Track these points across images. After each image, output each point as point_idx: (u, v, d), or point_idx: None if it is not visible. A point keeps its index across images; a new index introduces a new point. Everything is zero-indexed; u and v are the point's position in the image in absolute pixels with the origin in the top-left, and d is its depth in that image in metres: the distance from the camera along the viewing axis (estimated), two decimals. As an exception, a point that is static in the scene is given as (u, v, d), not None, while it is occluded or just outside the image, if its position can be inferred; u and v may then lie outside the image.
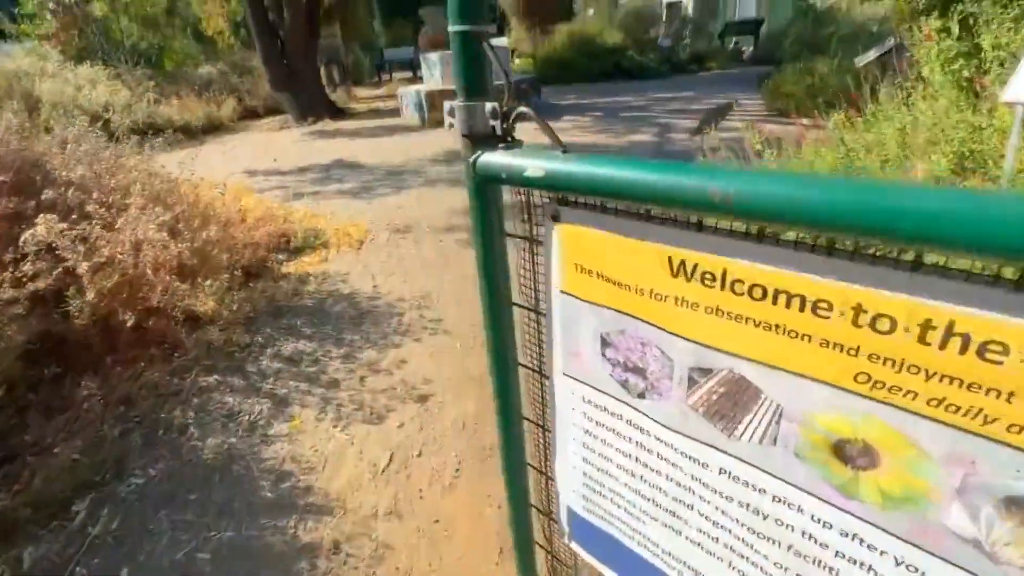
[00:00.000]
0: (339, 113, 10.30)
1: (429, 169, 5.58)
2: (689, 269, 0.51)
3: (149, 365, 2.48)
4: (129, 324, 2.12)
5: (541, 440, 0.89)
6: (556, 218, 0.64)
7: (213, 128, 10.03)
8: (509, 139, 0.64)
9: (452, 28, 0.60)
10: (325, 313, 2.86)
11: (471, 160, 0.64)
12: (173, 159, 7.30)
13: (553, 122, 7.49)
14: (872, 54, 6.04)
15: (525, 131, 0.62)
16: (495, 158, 0.63)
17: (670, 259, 0.53)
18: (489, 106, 0.62)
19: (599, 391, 0.70)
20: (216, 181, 6.01)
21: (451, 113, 0.66)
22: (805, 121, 6.32)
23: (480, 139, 0.64)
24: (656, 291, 0.56)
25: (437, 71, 8.05)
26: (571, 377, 0.74)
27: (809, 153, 2.27)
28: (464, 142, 0.65)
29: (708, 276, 0.50)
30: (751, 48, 14.21)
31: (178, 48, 13.34)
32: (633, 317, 0.60)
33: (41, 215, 1.98)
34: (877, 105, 2.45)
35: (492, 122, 0.63)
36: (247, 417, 2.10)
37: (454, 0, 0.58)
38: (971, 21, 2.21)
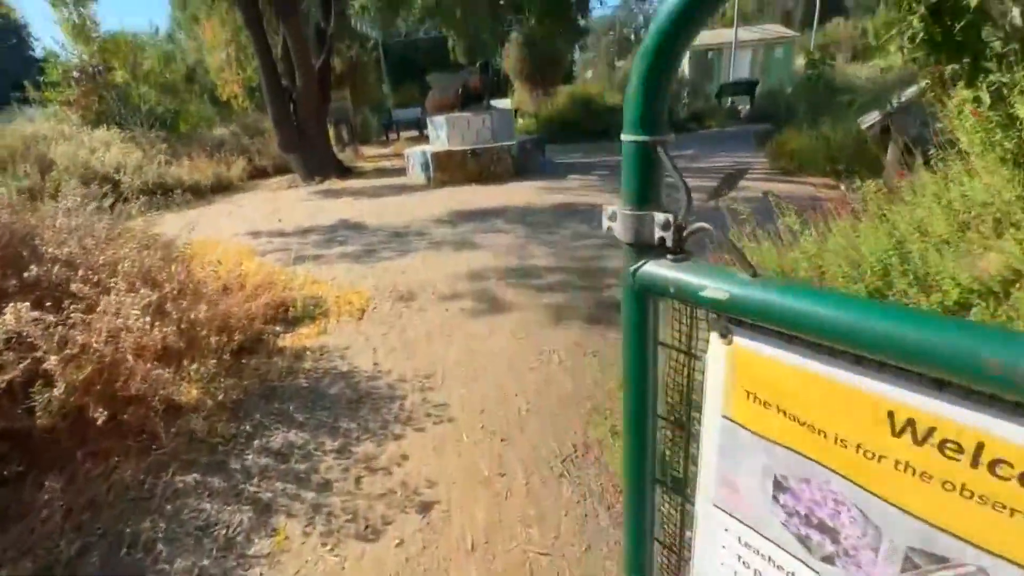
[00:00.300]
0: (346, 172, 10.47)
1: (434, 231, 5.50)
2: (921, 432, 0.41)
3: (123, 459, 2.24)
4: (100, 420, 1.90)
5: (668, 562, 0.82)
6: (726, 335, 0.56)
7: (222, 187, 10.17)
8: (679, 252, 0.59)
9: (627, 137, 0.59)
10: (321, 395, 2.63)
11: (632, 269, 0.63)
12: (180, 219, 7.30)
13: (559, 181, 7.52)
14: (875, 116, 6.09)
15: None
16: (662, 270, 0.59)
17: (891, 415, 0.43)
18: (662, 217, 0.58)
19: (764, 537, 0.60)
20: (219, 242, 5.98)
21: (612, 218, 0.65)
22: (813, 180, 6.32)
23: (643, 248, 0.62)
24: (866, 447, 0.46)
25: (443, 132, 8.19)
26: (723, 510, 0.64)
27: (845, 233, 2.12)
28: (626, 249, 0.64)
29: (951, 446, 0.40)
30: (747, 107, 14.64)
31: (193, 111, 13.84)
32: (825, 467, 0.50)
33: (11, 305, 1.82)
34: (908, 174, 2.34)
35: (662, 233, 0.59)
36: (224, 531, 1.83)
37: (632, 111, 0.57)
38: (1004, 91, 2.12)
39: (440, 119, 8.18)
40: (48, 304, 2.26)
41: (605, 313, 3.26)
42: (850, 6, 41.53)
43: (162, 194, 9.37)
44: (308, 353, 3.07)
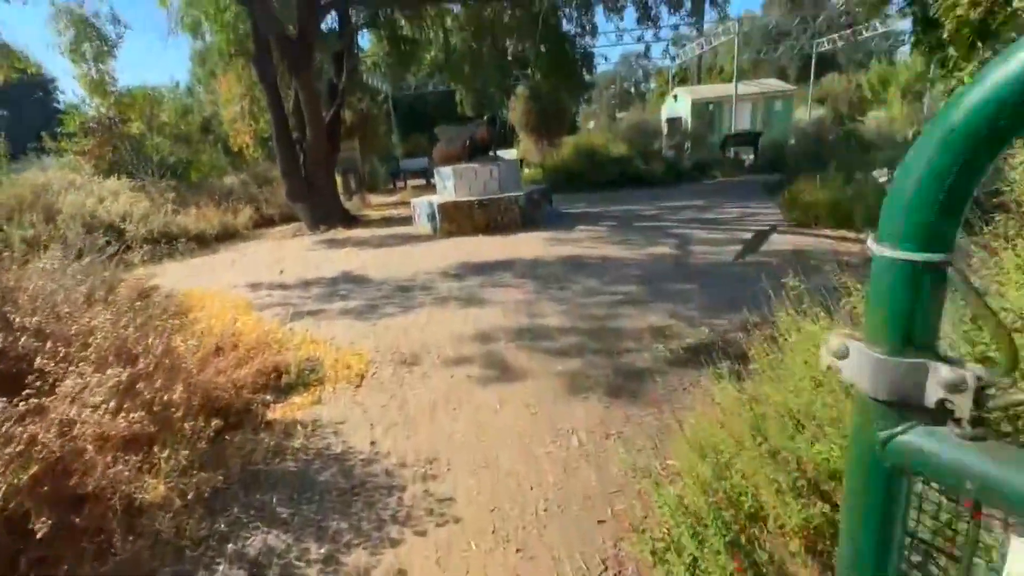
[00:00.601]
0: (352, 221, 10.44)
1: (439, 284, 5.30)
2: None
3: (78, 565, 1.92)
4: (41, 532, 1.60)
5: None
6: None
7: (228, 236, 10.13)
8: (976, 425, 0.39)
9: (892, 252, 0.43)
10: (309, 483, 2.32)
11: (884, 436, 0.45)
12: (182, 268, 7.16)
13: (567, 232, 7.39)
14: (886, 172, 5.98)
15: None
16: (941, 448, 0.41)
17: None
18: (949, 373, 0.39)
19: None
20: (217, 293, 5.78)
21: (841, 354, 0.46)
22: (828, 233, 6.15)
23: (904, 408, 0.43)
24: None
25: (450, 183, 8.16)
26: None
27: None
28: (867, 401, 0.45)
29: None
30: (751, 158, 14.80)
31: (205, 161, 14.09)
32: None
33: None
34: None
35: (946, 395, 0.39)
36: (178, 677, 1.49)
37: (911, 215, 0.41)
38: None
39: (447, 170, 8.18)
40: (7, 383, 2.01)
41: (626, 384, 2.97)
42: (842, 63, 43.32)
43: (167, 243, 9.34)
44: (299, 428, 2.78)
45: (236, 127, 12.50)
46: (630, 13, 9.49)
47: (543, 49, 10.73)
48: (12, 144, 12.57)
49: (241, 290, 5.89)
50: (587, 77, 11.28)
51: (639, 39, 9.18)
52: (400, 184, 19.15)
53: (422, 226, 8.53)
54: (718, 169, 13.37)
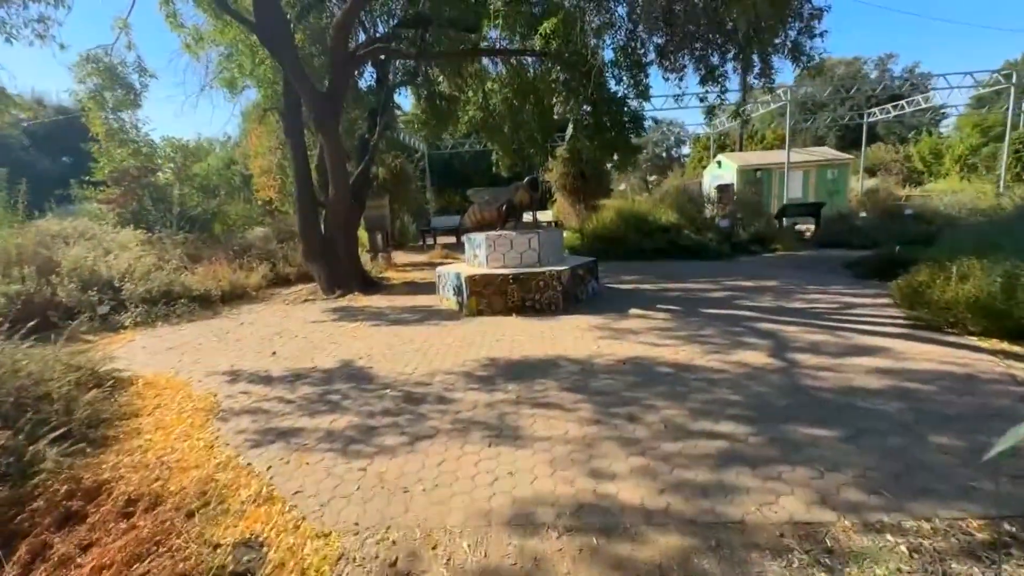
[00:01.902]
0: (371, 286, 9.42)
1: (461, 395, 3.99)
2: None
3: None
4: None
5: None
6: None
7: (236, 296, 9.23)
8: None
9: None
10: None
11: None
12: (170, 336, 6.11)
13: (620, 318, 6.05)
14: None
15: None
16: None
17: None
18: None
19: None
20: (183, 385, 4.60)
21: None
22: (982, 345, 4.60)
23: None
24: None
25: (482, 252, 7.06)
26: None
27: None
28: None
29: None
30: (812, 229, 13.42)
31: (232, 213, 13.64)
32: None
33: None
34: None
35: None
36: None
37: None
38: None
39: (479, 237, 7.10)
40: None
41: None
42: (880, 134, 42.30)
43: (167, 303, 8.47)
44: None
45: (259, 180, 12.01)
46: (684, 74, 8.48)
47: (588, 110, 9.91)
48: (44, 189, 12.39)
49: (216, 381, 4.72)
50: (635, 140, 10.28)
51: (702, 99, 7.95)
52: (431, 241, 18.48)
53: (447, 299, 7.37)
54: (778, 241, 12.00)
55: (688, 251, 11.41)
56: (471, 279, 6.58)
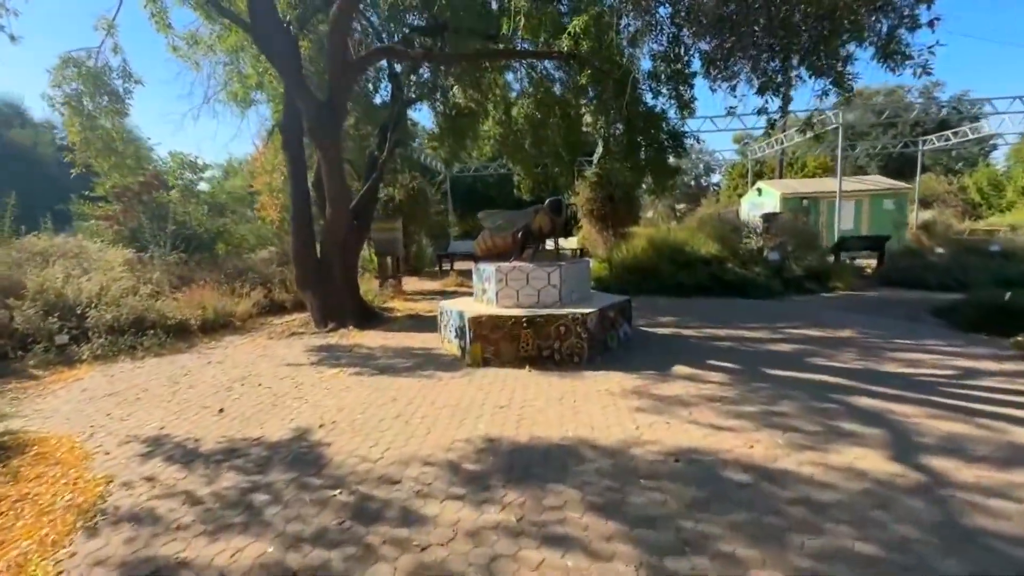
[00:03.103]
0: (368, 319, 8.31)
1: (435, 511, 2.72)
2: None
3: None
4: None
5: None
6: None
7: (219, 326, 8.23)
8: None
9: None
10: None
11: None
12: (120, 377, 5.11)
13: (662, 378, 4.68)
14: None
15: None
16: None
17: None
18: None
19: None
20: (86, 457, 3.51)
21: None
22: None
23: None
24: None
25: (491, 287, 5.86)
26: None
27: None
28: None
29: None
30: (875, 266, 11.81)
31: (236, 233, 12.91)
32: None
33: None
34: None
35: None
36: None
37: None
38: None
39: (488, 268, 5.92)
40: None
41: None
42: (927, 164, 40.01)
43: (136, 332, 7.53)
44: None
45: (262, 200, 11.22)
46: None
47: (620, 127, 8.77)
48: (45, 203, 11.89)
49: (128, 453, 3.59)
50: (674, 161, 9.06)
51: (760, 111, 6.65)
52: (448, 267, 17.45)
53: (448, 342, 6.17)
54: (837, 279, 10.45)
55: (732, 287, 9.98)
56: (476, 321, 5.36)
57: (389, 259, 12.68)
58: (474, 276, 6.41)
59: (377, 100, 11.31)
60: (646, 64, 8.18)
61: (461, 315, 5.61)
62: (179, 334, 7.59)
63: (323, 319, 8.01)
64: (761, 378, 4.74)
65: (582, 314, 5.26)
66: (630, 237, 14.23)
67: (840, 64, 6.25)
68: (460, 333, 5.66)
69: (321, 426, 3.93)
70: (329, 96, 6.95)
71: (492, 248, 6.37)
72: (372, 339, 7.15)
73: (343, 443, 3.59)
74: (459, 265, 17.90)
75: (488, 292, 5.97)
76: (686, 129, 8.91)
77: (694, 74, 7.92)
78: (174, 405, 4.62)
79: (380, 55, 7.61)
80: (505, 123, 9.14)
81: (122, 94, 7.28)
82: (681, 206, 41.65)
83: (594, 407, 4.09)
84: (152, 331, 7.21)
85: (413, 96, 10.36)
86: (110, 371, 6.05)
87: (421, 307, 9.84)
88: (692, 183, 46.49)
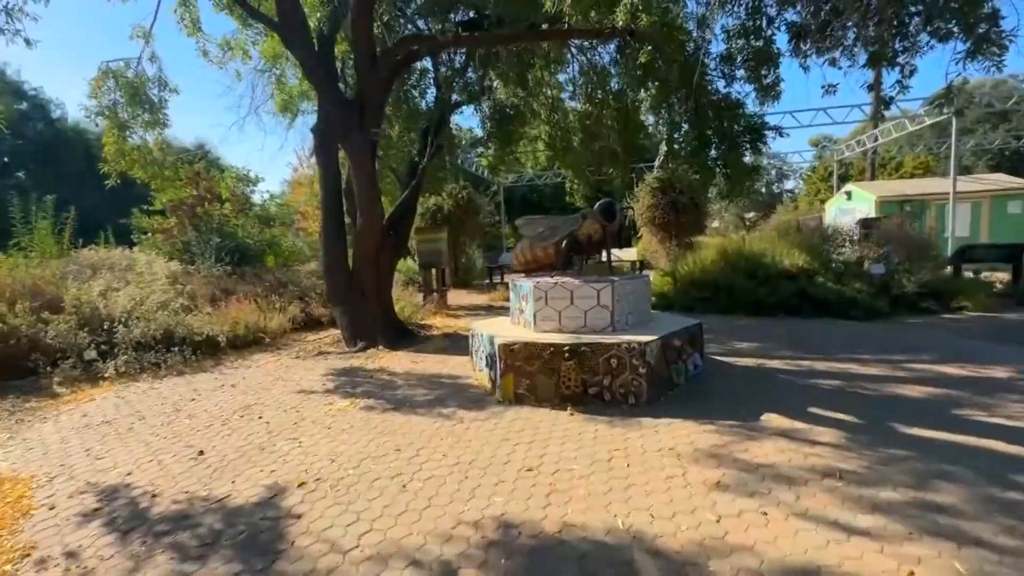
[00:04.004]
0: (403, 337, 7.60)
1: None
2: None
3: None
4: None
5: None
6: None
7: (250, 342, 7.85)
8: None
9: None
10: None
11: None
12: (139, 397, 4.65)
13: (747, 435, 3.47)
14: None
15: None
16: None
17: None
18: None
19: None
20: (30, 512, 2.89)
21: None
22: None
23: None
24: None
25: (528, 307, 4.91)
26: None
27: None
28: None
29: None
30: (1010, 282, 9.67)
31: (286, 245, 12.85)
32: None
33: None
34: None
35: None
36: None
37: None
38: None
39: (526, 285, 4.98)
40: None
41: None
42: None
43: (165, 348, 7.27)
44: None
45: (303, 211, 10.98)
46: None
47: (686, 121, 7.59)
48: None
49: (70, 511, 2.95)
50: (751, 159, 7.73)
51: (870, 87, 5.29)
52: (498, 279, 16.69)
53: (479, 371, 5.27)
54: (967, 296, 8.52)
55: (824, 306, 8.38)
56: (507, 348, 4.42)
57: (433, 272, 12.06)
58: (511, 293, 5.48)
59: (424, 107, 10.79)
60: (718, 45, 7.01)
61: (492, 340, 4.69)
62: (208, 350, 7.24)
63: (353, 337, 7.40)
64: (895, 440, 3.42)
65: (640, 343, 4.17)
66: (696, 248, 12.78)
67: (984, 23, 4.79)
68: (491, 362, 4.74)
69: (301, 485, 3.12)
70: (358, 94, 6.36)
71: (532, 261, 5.43)
72: (399, 362, 6.40)
73: (317, 516, 2.75)
74: (510, 277, 17.10)
75: (525, 313, 5.02)
76: (766, 120, 7.56)
77: (778, 53, 6.65)
78: (159, 441, 4.02)
79: (410, 44, 6.97)
80: (553, 122, 8.22)
81: (159, 104, 7.10)
82: (750, 215, 38.63)
83: (655, 478, 3.00)
84: (180, 347, 6.89)
85: (457, 99, 9.70)
86: (125, 392, 5.69)
87: (462, 324, 9.04)
88: (763, 190, 43.13)
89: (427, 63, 9.85)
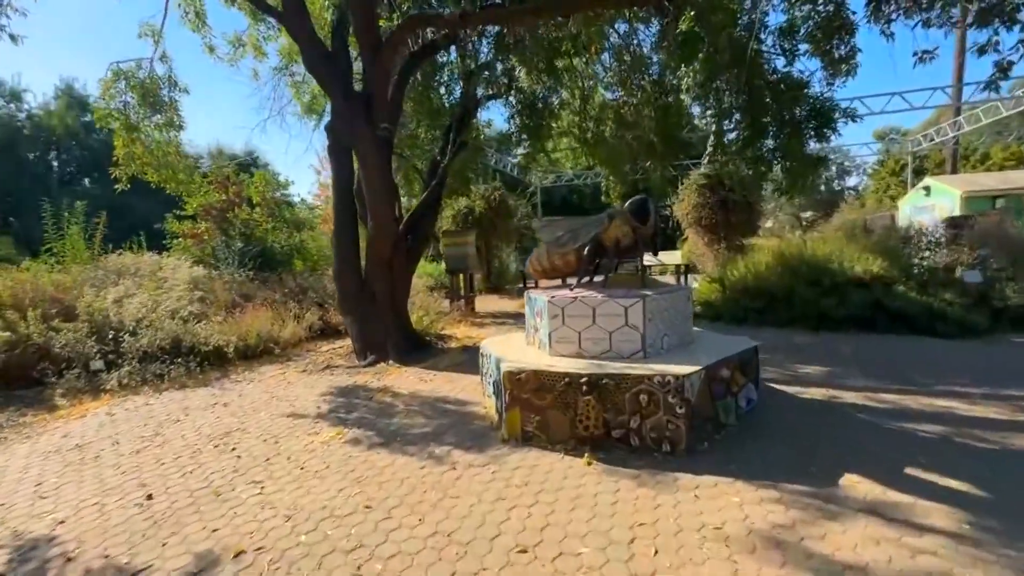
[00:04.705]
0: (417, 350, 7.00)
1: None
2: None
3: None
4: None
5: None
6: None
7: (262, 352, 7.49)
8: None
9: None
10: None
11: None
12: (130, 414, 4.31)
13: (819, 505, 2.49)
14: None
15: None
16: None
17: None
18: None
19: None
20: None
21: None
22: None
23: None
24: None
25: (544, 324, 4.14)
26: None
27: None
28: None
29: None
30: None
31: (313, 249, 12.64)
32: None
33: None
34: None
35: None
36: None
37: None
38: None
39: (540, 299, 4.22)
40: None
41: None
42: None
43: (171, 358, 7.00)
44: None
45: (326, 213, 10.66)
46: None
47: (738, 106, 6.60)
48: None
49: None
50: (816, 147, 6.64)
51: (981, 49, 4.15)
52: (532, 283, 15.95)
53: (488, 397, 4.54)
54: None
55: (905, 320, 7.11)
56: (514, 377, 3.67)
57: (461, 277, 11.48)
58: (526, 309, 4.73)
59: (448, 104, 10.21)
60: (776, 17, 6.01)
61: (499, 364, 3.95)
62: (216, 361, 6.91)
63: (363, 350, 6.87)
64: (1042, 530, 2.42)
65: (677, 376, 3.32)
66: (749, 251, 11.55)
67: None
68: (497, 389, 4.01)
69: (238, 555, 2.50)
70: (364, 83, 5.81)
71: (549, 270, 4.66)
72: (407, 380, 5.78)
73: (238, 611, 2.11)
74: (546, 282, 16.33)
75: (540, 332, 4.26)
76: (835, 102, 6.45)
77: (853, 23, 5.58)
78: (115, 477, 3.55)
79: (415, 24, 6.34)
80: (584, 113, 7.40)
81: (170, 104, 6.85)
82: (807, 214, 35.88)
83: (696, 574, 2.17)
84: (186, 358, 6.58)
85: (481, 92, 9.05)
86: (118, 408, 5.36)
87: (484, 334, 8.36)
88: (822, 187, 40.15)
89: (453, 56, 9.27)
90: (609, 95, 6.85)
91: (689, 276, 14.04)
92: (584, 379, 3.49)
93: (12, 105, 28.48)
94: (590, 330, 3.91)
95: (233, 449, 3.95)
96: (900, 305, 7.15)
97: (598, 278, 4.48)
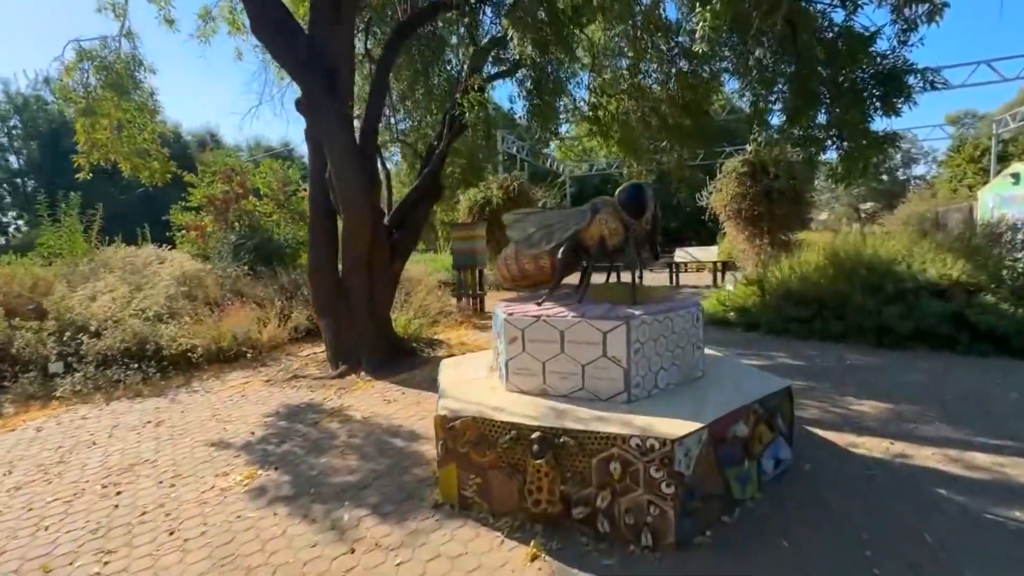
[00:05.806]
0: (395, 359, 6.19)
1: None
2: None
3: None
4: None
5: None
6: None
7: (234, 356, 6.89)
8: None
9: None
10: None
11: None
12: (61, 429, 3.84)
13: None
14: None
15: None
16: None
17: None
18: None
19: None
20: None
21: None
22: None
23: None
24: None
25: (503, 349, 3.18)
26: None
27: None
28: None
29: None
30: None
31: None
32: None
33: None
34: None
35: None
36: None
37: None
38: None
39: (498, 315, 3.25)
40: None
41: None
42: None
43: (130, 362, 6.45)
44: None
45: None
46: None
47: (781, 67, 5.37)
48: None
49: None
50: (879, 121, 5.31)
51: None
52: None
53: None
54: None
55: (996, 340, 5.67)
56: (446, 423, 2.74)
57: (470, 273, 10.60)
58: (493, 327, 3.77)
59: (443, 87, 9.27)
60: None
61: (441, 398, 3.04)
62: (181, 366, 6.34)
63: (335, 358, 6.13)
64: None
65: (662, 440, 2.29)
66: (796, 247, 10.09)
67: None
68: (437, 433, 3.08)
69: None
70: (318, 55, 4.98)
71: (520, 277, 3.67)
72: (369, 399, 4.96)
73: None
74: (570, 279, 15.23)
75: (500, 361, 3.29)
76: (912, 63, 5.09)
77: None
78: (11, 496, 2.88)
79: None
80: (594, 88, 6.30)
81: (135, 85, 6.27)
82: (867, 205, 32.78)
83: None
84: (146, 362, 6.04)
85: (488, 71, 8.06)
86: (50, 422, 4.82)
87: (483, 340, 7.46)
88: (884, 176, 36.60)
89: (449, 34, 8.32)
90: (620, 64, 5.73)
91: (727, 274, 12.63)
92: (540, 432, 2.52)
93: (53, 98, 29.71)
94: (557, 360, 2.92)
95: (118, 493, 3.23)
96: (990, 320, 5.71)
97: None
